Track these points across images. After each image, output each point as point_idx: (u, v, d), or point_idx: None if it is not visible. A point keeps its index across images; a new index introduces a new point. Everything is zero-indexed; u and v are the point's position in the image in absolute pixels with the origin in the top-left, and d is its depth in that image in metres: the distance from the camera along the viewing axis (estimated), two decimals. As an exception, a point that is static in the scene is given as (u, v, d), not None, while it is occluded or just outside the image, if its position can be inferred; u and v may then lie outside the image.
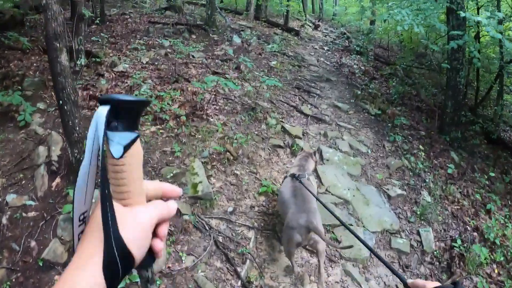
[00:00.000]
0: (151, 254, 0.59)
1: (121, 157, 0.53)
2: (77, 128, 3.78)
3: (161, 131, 5.19)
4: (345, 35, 16.06)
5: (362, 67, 12.01)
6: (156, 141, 4.95)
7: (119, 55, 7.86)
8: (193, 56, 8.68)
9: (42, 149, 4.54)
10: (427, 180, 6.08)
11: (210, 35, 10.88)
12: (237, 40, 10.55)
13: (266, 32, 13.07)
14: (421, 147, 6.88)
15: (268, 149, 5.42)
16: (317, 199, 3.03)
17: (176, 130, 5.21)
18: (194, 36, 10.52)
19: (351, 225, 4.46)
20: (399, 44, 16.64)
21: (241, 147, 5.07)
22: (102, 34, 8.97)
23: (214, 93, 6.46)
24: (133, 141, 0.54)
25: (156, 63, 7.84)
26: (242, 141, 5.11)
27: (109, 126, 0.52)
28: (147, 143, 4.86)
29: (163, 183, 0.65)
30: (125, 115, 0.53)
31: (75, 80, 6.43)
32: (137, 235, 0.54)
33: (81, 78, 6.52)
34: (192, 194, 4.15)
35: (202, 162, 4.62)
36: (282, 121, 6.35)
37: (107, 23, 10.71)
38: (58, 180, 4.25)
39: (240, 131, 5.56)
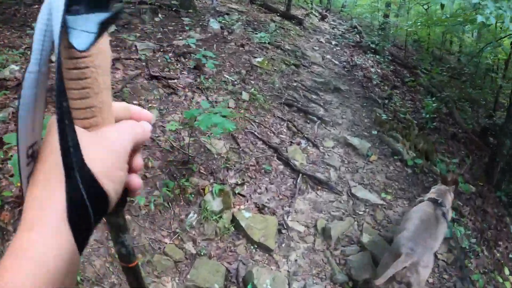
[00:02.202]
0: (122, 193, 0.37)
1: (88, 49, 0.31)
2: None
3: None
4: (355, 29, 12.28)
5: (379, 70, 8.44)
6: None
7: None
8: (135, 47, 5.18)
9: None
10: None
11: (182, 18, 7.31)
12: (214, 25, 7.00)
13: (261, 19, 9.44)
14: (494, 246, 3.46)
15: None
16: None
17: None
18: (157, 19, 6.97)
19: None
20: (412, 44, 13.02)
21: None
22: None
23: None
24: (105, 25, 0.31)
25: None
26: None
27: (68, 11, 0.31)
28: None
29: (129, 104, 0.42)
30: None
31: None
32: (110, 165, 0.34)
33: None
34: None
35: None
36: (239, 194, 2.88)
37: None
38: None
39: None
